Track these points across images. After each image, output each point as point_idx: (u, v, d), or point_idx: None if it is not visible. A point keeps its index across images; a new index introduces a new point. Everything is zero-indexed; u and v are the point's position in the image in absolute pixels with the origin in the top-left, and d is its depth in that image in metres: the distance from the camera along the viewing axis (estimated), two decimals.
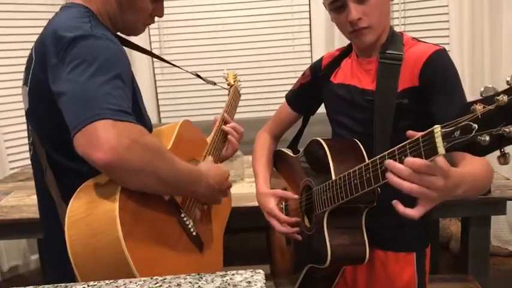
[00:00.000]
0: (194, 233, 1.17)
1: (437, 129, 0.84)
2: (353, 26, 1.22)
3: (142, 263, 0.94)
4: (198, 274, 0.87)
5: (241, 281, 0.83)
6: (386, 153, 1.00)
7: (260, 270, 0.87)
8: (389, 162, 0.93)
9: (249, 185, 2.23)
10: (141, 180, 0.98)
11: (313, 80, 1.46)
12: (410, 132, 0.92)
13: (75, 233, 0.97)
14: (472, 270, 2.15)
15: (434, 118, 1.18)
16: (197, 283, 0.84)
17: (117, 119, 0.93)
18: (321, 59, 1.46)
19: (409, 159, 0.89)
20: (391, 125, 1.22)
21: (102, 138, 0.90)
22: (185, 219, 1.15)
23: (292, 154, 1.53)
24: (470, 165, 1.03)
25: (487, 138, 0.75)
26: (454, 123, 0.81)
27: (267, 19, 3.43)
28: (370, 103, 1.26)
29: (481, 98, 0.77)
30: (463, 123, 0.79)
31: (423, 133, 0.88)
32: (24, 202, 2.13)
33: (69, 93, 0.96)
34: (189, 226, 1.16)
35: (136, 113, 1.09)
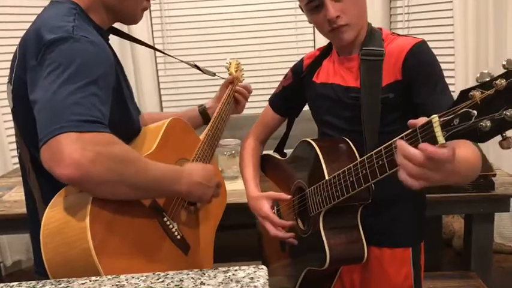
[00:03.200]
0: (179, 236, 1.16)
1: (435, 118, 0.82)
2: (331, 24, 1.22)
3: (118, 270, 0.93)
4: (201, 270, 0.87)
5: (244, 277, 0.83)
6: (382, 147, 0.98)
7: (263, 266, 0.87)
8: (401, 144, 0.87)
9: None
10: (110, 190, 0.96)
11: (295, 82, 1.45)
12: (412, 122, 0.90)
13: (49, 241, 0.97)
14: (475, 267, 2.15)
15: (418, 109, 1.17)
16: (199, 279, 0.83)
17: (81, 131, 0.90)
18: (301, 60, 1.46)
19: (424, 145, 0.83)
20: (379, 120, 1.21)
21: (65, 153, 0.88)
22: (168, 223, 1.13)
23: (280, 157, 1.53)
24: (463, 151, 0.96)
25: (488, 123, 0.74)
26: (452, 111, 0.79)
27: (270, 14, 3.42)
28: (355, 100, 1.25)
29: (477, 84, 0.76)
30: (461, 111, 0.77)
31: (420, 124, 0.87)
32: None
33: (40, 102, 0.95)
34: (173, 230, 1.14)
35: (123, 114, 1.09)
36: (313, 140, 1.30)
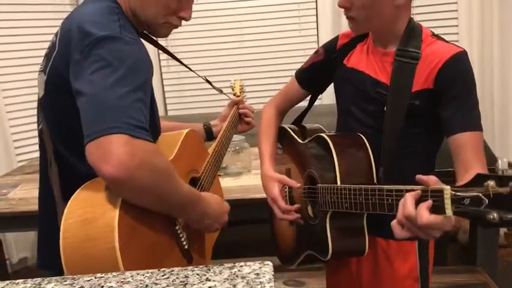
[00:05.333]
0: (186, 247, 1.16)
1: (447, 190, 0.84)
2: (344, 11, 1.22)
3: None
4: (206, 266, 0.87)
5: (249, 273, 0.82)
6: (393, 188, 1.00)
7: (268, 262, 0.86)
8: (406, 206, 0.92)
9: (256, 176, 2.20)
10: (143, 199, 0.98)
11: (326, 60, 1.42)
12: (419, 177, 0.93)
13: (70, 235, 0.96)
14: (480, 261, 2.15)
15: (441, 122, 1.18)
16: (205, 275, 0.83)
17: (133, 136, 0.91)
18: (336, 39, 1.42)
19: (425, 216, 0.88)
20: (401, 124, 1.20)
21: (115, 153, 0.89)
22: (179, 231, 1.14)
23: (299, 139, 1.52)
24: None
25: (497, 217, 0.75)
26: (465, 190, 0.81)
27: (273, 10, 3.41)
28: (382, 97, 1.24)
29: (495, 174, 0.77)
30: (474, 194, 0.79)
31: (433, 187, 0.89)
32: (32, 194, 2.13)
33: (90, 96, 0.94)
34: (182, 239, 1.15)
35: (151, 119, 1.07)
36: (329, 136, 1.28)
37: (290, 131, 1.56)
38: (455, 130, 1.15)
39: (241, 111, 1.63)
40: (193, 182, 1.27)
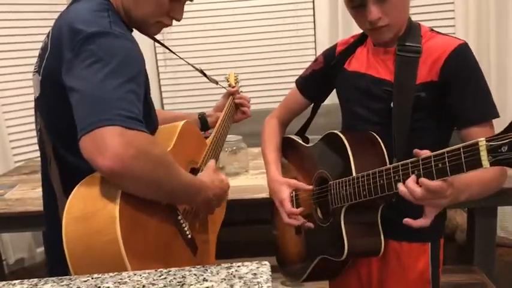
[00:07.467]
0: (189, 236, 1.16)
1: (482, 142, 0.83)
2: (372, 25, 1.20)
3: (138, 264, 0.94)
4: (203, 266, 0.87)
5: (247, 273, 0.82)
6: (420, 158, 0.99)
7: (266, 262, 0.86)
8: (405, 184, 1.01)
9: (254, 177, 2.23)
10: (142, 189, 0.98)
11: (325, 67, 1.43)
12: (417, 151, 0.95)
13: (72, 230, 0.96)
14: (478, 261, 2.15)
15: (453, 111, 1.19)
16: (202, 275, 0.83)
17: (127, 127, 0.91)
18: (334, 46, 1.43)
19: (426, 183, 0.96)
20: (409, 118, 1.21)
21: (109, 145, 0.89)
22: (182, 221, 1.14)
23: (303, 143, 1.52)
24: (464, 177, 1.01)
25: None
26: (501, 138, 0.79)
27: (270, 10, 3.41)
28: (388, 93, 1.24)
29: None
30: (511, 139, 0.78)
31: (464, 144, 0.88)
32: (28, 195, 2.13)
33: (82, 92, 0.95)
34: (185, 229, 1.15)
35: (146, 111, 1.07)
36: (341, 132, 1.28)
37: (295, 138, 1.55)
38: (473, 117, 1.18)
39: (237, 101, 1.65)
40: (193, 173, 1.26)
